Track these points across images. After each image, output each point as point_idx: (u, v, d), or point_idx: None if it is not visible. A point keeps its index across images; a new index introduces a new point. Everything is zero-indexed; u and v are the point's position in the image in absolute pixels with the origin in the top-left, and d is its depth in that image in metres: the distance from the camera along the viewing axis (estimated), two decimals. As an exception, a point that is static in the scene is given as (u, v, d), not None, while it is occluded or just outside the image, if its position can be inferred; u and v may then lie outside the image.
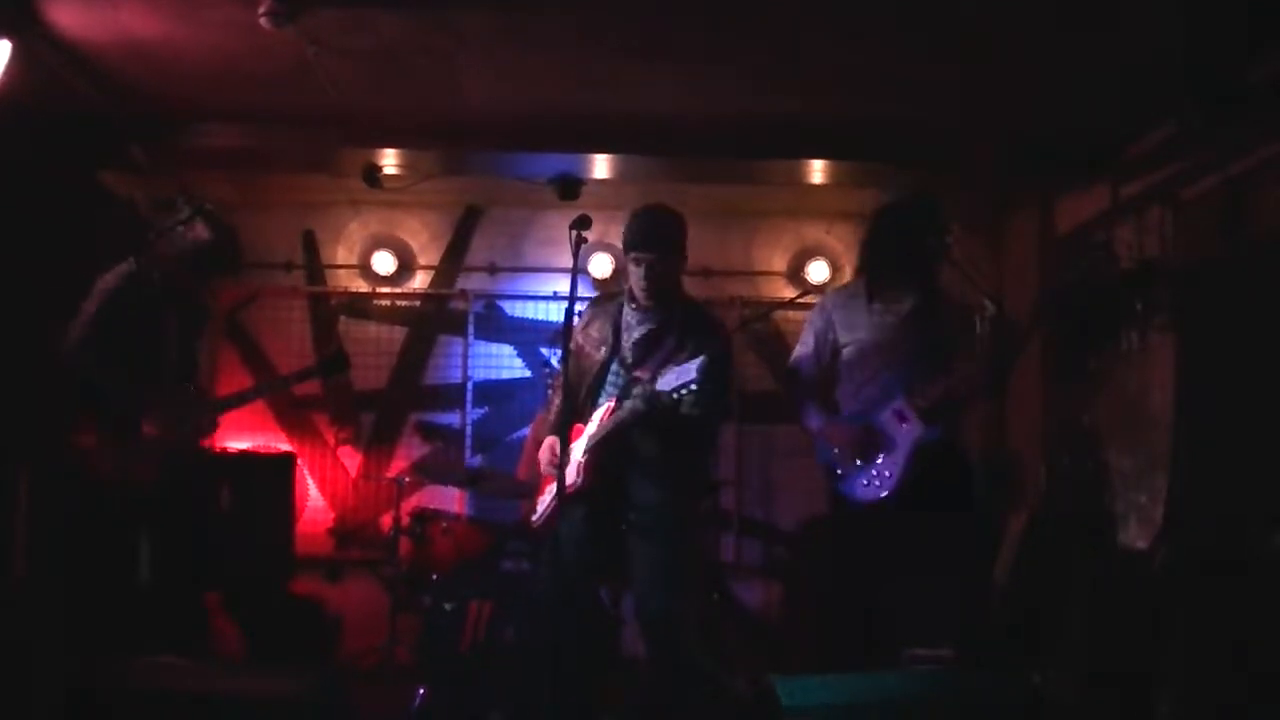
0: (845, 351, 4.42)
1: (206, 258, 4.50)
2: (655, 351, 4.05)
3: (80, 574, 4.17)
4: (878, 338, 4.35)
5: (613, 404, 4.03)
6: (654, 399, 3.81)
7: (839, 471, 4.33)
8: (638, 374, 3.98)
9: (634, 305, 4.14)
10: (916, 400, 4.20)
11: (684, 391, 3.69)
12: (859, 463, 4.26)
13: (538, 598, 4.18)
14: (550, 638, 3.97)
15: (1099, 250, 5.33)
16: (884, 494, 4.20)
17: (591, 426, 4.06)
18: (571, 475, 4.01)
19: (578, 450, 4.06)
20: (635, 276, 4.06)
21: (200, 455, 4.80)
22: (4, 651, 3.77)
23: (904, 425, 4.21)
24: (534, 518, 4.27)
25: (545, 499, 4.21)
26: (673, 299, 4.12)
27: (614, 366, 4.15)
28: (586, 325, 4.25)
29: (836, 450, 4.32)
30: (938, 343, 4.28)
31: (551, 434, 4.21)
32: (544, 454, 4.19)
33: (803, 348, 4.56)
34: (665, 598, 4.03)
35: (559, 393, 4.25)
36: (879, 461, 4.24)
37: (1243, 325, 4.30)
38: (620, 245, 6.74)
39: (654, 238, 4.04)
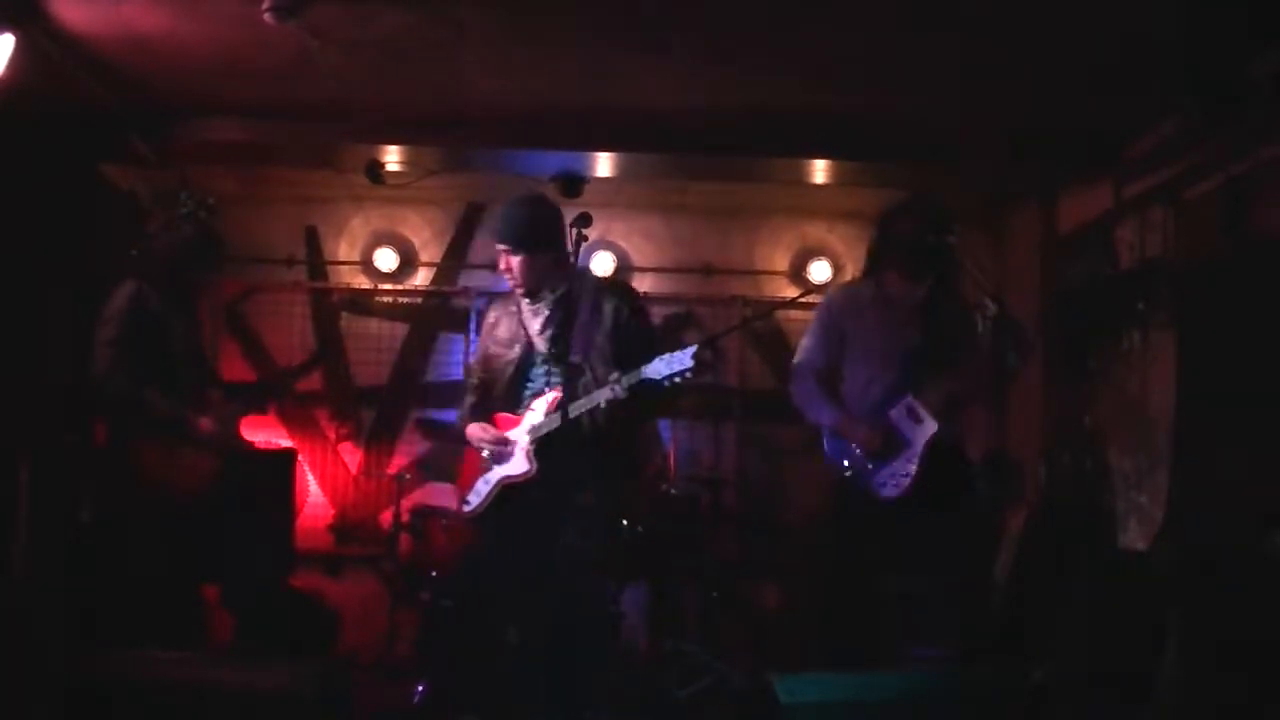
0: (851, 348, 4.41)
1: (198, 254, 4.53)
2: (568, 331, 4.00)
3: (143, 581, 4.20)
4: (884, 336, 4.33)
5: (556, 394, 4.00)
6: (638, 389, 3.79)
7: (851, 468, 4.29)
8: (613, 375, 3.89)
9: (525, 297, 4.13)
10: (928, 397, 4.19)
11: (678, 379, 3.70)
12: (873, 463, 4.26)
13: (492, 590, 4.17)
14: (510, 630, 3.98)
15: (1099, 249, 5.34)
16: (903, 492, 4.17)
17: (535, 417, 4.04)
18: (522, 464, 4.04)
19: (520, 435, 4.07)
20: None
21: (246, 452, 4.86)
22: (4, 651, 3.78)
23: (919, 425, 4.19)
24: (468, 508, 4.21)
25: (481, 487, 4.18)
26: (557, 280, 4.08)
27: (535, 360, 4.13)
28: (494, 326, 4.23)
29: (855, 447, 4.29)
30: (943, 341, 4.27)
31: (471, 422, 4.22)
32: (477, 433, 4.15)
33: (810, 340, 4.51)
34: (597, 582, 4.06)
35: (474, 392, 4.28)
36: (897, 460, 4.22)
37: (1244, 325, 4.30)
38: (620, 244, 6.83)
39: (512, 234, 4.02)
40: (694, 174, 6.10)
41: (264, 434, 6.44)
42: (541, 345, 4.11)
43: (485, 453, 4.14)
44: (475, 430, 4.16)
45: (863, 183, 6.09)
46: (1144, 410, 4.98)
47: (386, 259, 6.76)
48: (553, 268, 4.06)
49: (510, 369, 4.15)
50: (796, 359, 4.57)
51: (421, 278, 6.91)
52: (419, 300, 6.92)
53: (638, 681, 4.91)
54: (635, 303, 4.18)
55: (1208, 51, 4.19)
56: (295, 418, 6.65)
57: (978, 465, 4.65)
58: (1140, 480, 4.97)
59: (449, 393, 6.81)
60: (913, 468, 4.18)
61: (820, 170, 5.81)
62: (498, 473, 4.12)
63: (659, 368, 3.73)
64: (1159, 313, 4.91)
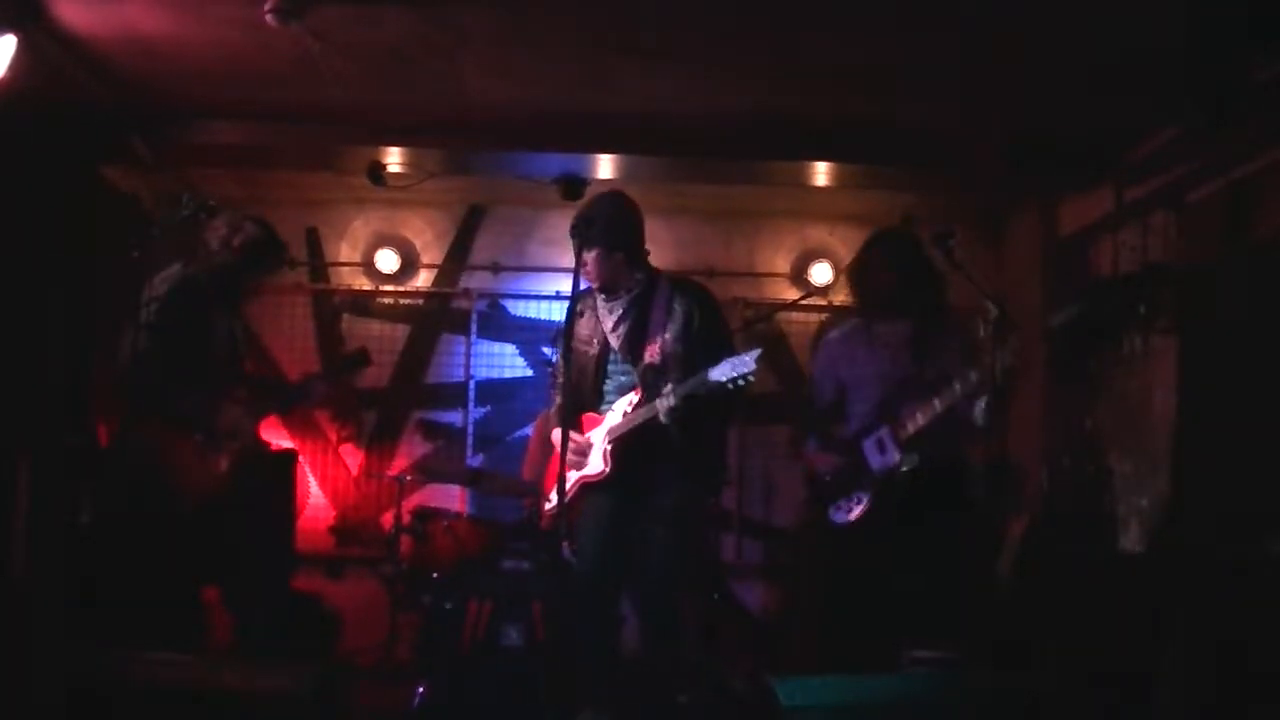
0: (851, 390, 4.47)
1: (259, 255, 4.55)
2: (643, 329, 4.05)
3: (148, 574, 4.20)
4: (877, 367, 4.38)
5: (638, 395, 4.02)
6: (700, 389, 3.80)
7: (820, 495, 4.44)
8: (682, 379, 3.92)
9: (601, 293, 4.14)
10: (899, 429, 4.22)
11: (740, 382, 3.70)
12: (838, 490, 4.36)
13: (565, 592, 4.19)
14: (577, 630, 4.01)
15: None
16: (850, 519, 4.29)
17: (614, 417, 4.07)
18: (598, 464, 4.05)
19: (598, 437, 4.08)
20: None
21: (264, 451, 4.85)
22: (4, 650, 3.78)
23: (881, 455, 4.26)
24: (549, 507, 4.26)
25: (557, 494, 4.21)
26: (632, 279, 4.11)
27: (611, 357, 4.15)
28: (578, 323, 4.24)
29: (821, 475, 4.42)
30: (932, 369, 4.26)
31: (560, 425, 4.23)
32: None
33: (813, 390, 4.64)
34: (674, 591, 4.06)
35: (560, 390, 4.28)
36: (855, 488, 4.31)
37: (1245, 329, 4.29)
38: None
39: (588, 230, 3.99)
40: (695, 176, 6.10)
41: (265, 433, 6.44)
42: (615, 343, 4.13)
43: (569, 461, 4.16)
44: (560, 436, 4.18)
45: (864, 186, 6.09)
46: (1145, 414, 4.97)
47: (388, 261, 6.76)
48: (628, 265, 4.08)
49: (591, 365, 4.16)
50: (805, 400, 4.70)
51: (423, 279, 6.91)
52: (420, 302, 6.92)
53: (637, 685, 4.90)
54: (708, 304, 4.18)
55: (1209, 56, 4.19)
56: (296, 419, 6.64)
57: (978, 467, 4.64)
58: (1141, 484, 4.97)
59: (450, 394, 6.84)
60: (864, 498, 4.27)
61: (821, 173, 5.81)
62: (576, 473, 4.15)
63: (723, 370, 3.73)
64: (1160, 316, 4.91)
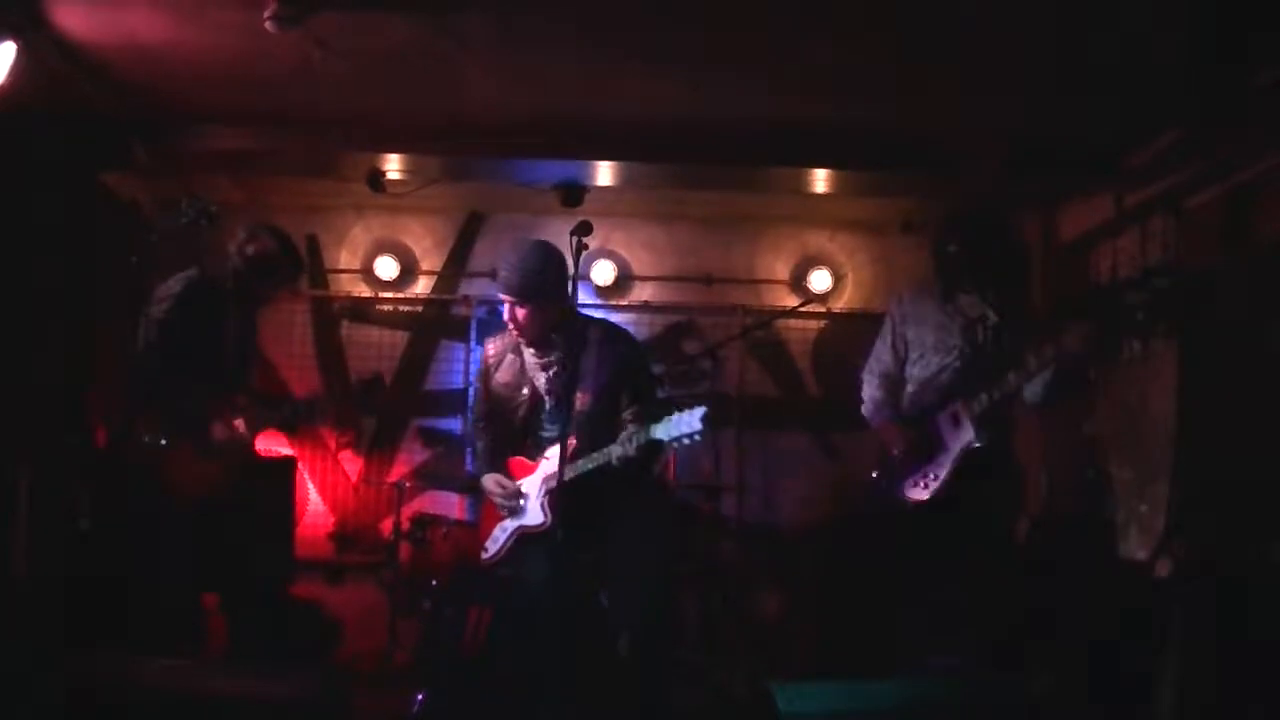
0: (912, 348, 4.45)
1: (272, 266, 4.56)
2: (574, 378, 3.99)
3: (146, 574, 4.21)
4: (945, 339, 4.36)
5: (573, 442, 3.93)
6: (647, 448, 3.78)
7: (884, 471, 4.37)
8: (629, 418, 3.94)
9: (530, 346, 4.10)
10: (972, 405, 4.19)
11: (686, 441, 3.67)
12: (911, 464, 4.29)
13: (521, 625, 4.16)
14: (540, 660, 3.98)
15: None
16: (929, 494, 4.22)
17: (549, 466, 4.03)
18: (537, 514, 4.05)
19: (533, 487, 4.06)
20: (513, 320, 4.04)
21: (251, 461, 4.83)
22: (4, 653, 3.77)
23: (957, 429, 4.22)
24: (486, 556, 4.25)
25: (498, 535, 4.20)
26: (562, 329, 4.06)
27: (546, 408, 4.13)
28: (495, 368, 4.22)
29: (893, 450, 4.35)
30: (1001, 352, 4.25)
31: (489, 470, 4.23)
32: (492, 487, 4.17)
33: (880, 344, 4.59)
34: (649, 609, 4.03)
35: (484, 434, 4.31)
36: (929, 463, 4.26)
37: (1245, 334, 4.30)
38: (621, 253, 6.81)
39: (520, 285, 3.98)
40: (694, 183, 6.10)
41: (265, 441, 6.43)
42: (550, 399, 4.12)
43: (499, 506, 4.16)
44: (490, 484, 4.18)
45: (863, 192, 6.09)
46: (1145, 419, 4.97)
47: (387, 267, 6.77)
48: (558, 316, 4.05)
49: (519, 413, 4.14)
50: (867, 364, 4.63)
51: (422, 286, 6.92)
52: (420, 309, 6.92)
53: (636, 690, 4.90)
54: (636, 352, 4.21)
55: (1209, 59, 4.19)
56: (296, 427, 6.64)
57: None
58: (1141, 489, 4.96)
59: (450, 401, 6.84)
60: (942, 471, 4.22)
61: (820, 180, 5.80)
62: (514, 523, 4.14)
63: (669, 429, 3.71)
64: (1160, 322, 4.90)
